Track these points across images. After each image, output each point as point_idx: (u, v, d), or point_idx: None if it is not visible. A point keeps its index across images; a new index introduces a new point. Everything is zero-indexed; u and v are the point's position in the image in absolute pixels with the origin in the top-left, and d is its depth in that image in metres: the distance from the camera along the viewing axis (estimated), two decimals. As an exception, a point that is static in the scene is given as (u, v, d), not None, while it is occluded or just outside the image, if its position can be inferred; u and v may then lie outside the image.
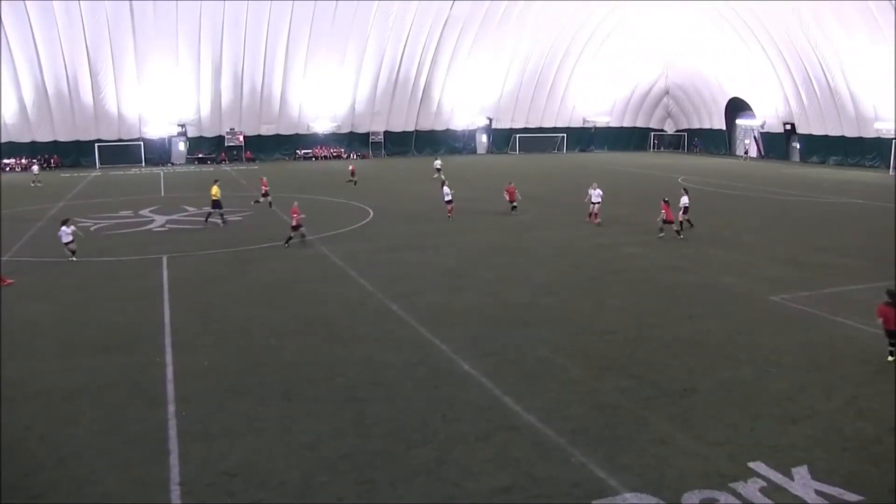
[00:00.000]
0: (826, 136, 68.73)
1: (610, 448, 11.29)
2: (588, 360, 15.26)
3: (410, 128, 76.00)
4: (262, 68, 66.95)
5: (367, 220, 34.06)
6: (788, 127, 72.63)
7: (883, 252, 26.79)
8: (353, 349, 16.02)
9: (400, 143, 75.35)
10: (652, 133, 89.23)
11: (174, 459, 10.99)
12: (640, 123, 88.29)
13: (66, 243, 25.48)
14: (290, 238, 27.35)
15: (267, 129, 71.03)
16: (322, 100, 70.98)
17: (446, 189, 34.24)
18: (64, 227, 25.60)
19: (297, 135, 72.43)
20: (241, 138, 69.28)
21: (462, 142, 79.01)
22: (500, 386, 13.75)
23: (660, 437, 11.73)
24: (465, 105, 77.36)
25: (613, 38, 76.44)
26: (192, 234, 30.48)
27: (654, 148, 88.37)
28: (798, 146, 72.89)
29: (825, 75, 65.47)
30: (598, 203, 32.94)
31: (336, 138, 73.83)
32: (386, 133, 74.83)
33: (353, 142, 74.25)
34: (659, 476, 10.43)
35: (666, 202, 29.51)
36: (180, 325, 17.79)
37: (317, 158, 72.06)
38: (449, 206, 33.58)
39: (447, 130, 78.31)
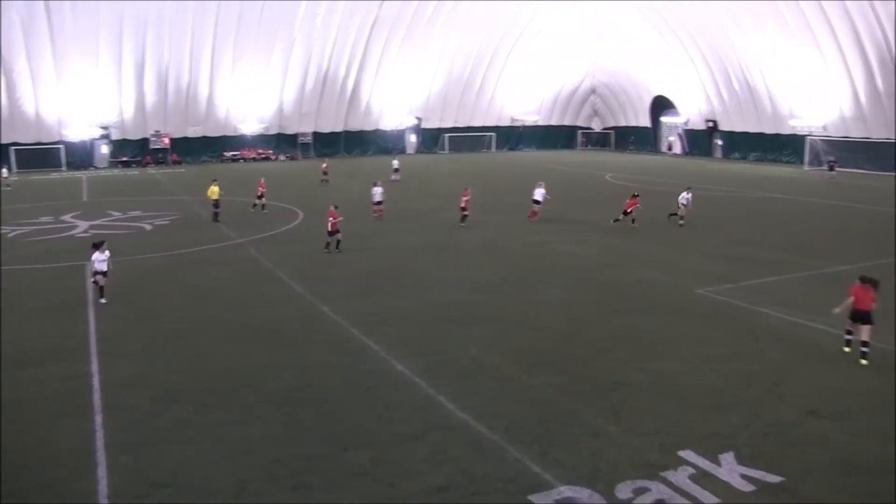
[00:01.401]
0: (746, 133, 71.06)
1: (544, 443, 11.46)
2: (520, 357, 15.45)
3: (339, 128, 75.47)
4: (187, 69, 65.59)
5: (297, 221, 33.73)
6: (711, 124, 74.80)
7: (801, 244, 27.87)
8: (285, 353, 15.87)
9: (329, 144, 74.76)
10: (579, 131, 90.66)
11: (102, 472, 10.72)
12: (567, 122, 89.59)
13: (98, 272, 19.94)
14: (329, 244, 26.39)
15: (193, 131, 69.59)
16: (250, 101, 69.92)
17: (377, 189, 33.88)
18: (97, 253, 19.90)
19: (224, 137, 71.16)
20: (167, 141, 67.77)
21: (391, 142, 78.84)
22: (434, 385, 13.81)
23: (592, 430, 11.96)
24: (395, 105, 77.26)
25: (540, 38, 77.36)
26: (117, 239, 29.66)
27: (581, 146, 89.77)
28: (720, 143, 75.11)
29: (744, 74, 67.67)
30: (541, 202, 33.32)
31: (264, 140, 72.84)
32: (315, 134, 74.16)
33: (282, 143, 73.39)
34: (592, 468, 10.64)
35: (635, 196, 31.09)
36: (107, 334, 17.33)
37: (245, 160, 71.01)
38: (377, 208, 33.35)
39: (376, 131, 78.07)
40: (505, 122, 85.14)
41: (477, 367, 14.89)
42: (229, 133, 71.30)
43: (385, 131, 78.57)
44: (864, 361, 14.98)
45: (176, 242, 28.76)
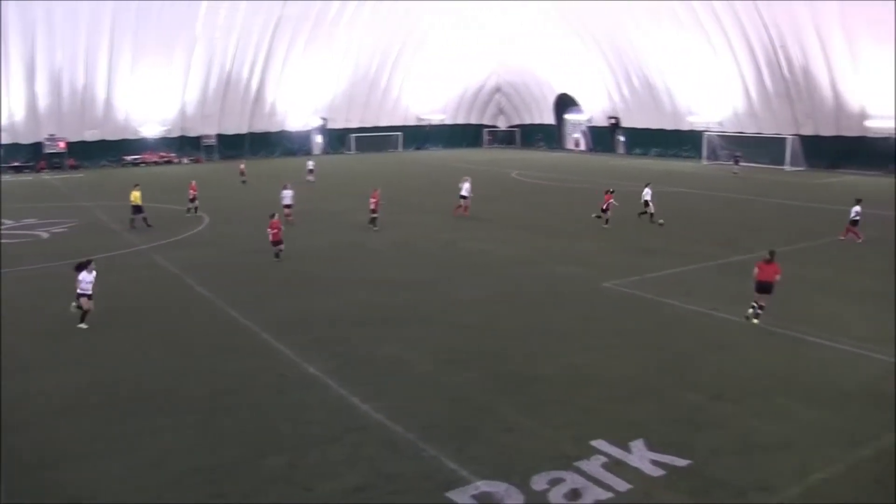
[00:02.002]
0: (647, 129, 73.26)
1: (460, 439, 11.56)
2: (435, 355, 15.52)
3: (244, 130, 73.96)
4: (82, 70, 63.02)
5: (203, 226, 32.90)
6: (613, 121, 76.80)
7: (702, 235, 28.90)
8: (195, 361, 15.49)
9: (234, 146, 73.11)
10: (485, 129, 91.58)
11: (2, 496, 10.23)
12: (473, 120, 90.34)
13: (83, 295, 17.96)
14: (277, 254, 25.35)
15: (91, 135, 66.92)
16: (150, 103, 67.74)
17: (287, 192, 33.24)
18: (84, 273, 17.99)
19: (124, 140, 68.68)
20: (63, 145, 65.03)
21: (297, 143, 77.75)
22: (348, 386, 13.74)
23: (508, 424, 12.13)
24: (300, 106, 76.27)
25: (445, 38, 77.76)
26: (10, 249, 28.30)
27: (488, 144, 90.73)
28: (623, 139, 77.20)
29: (644, 73, 69.82)
30: (468, 196, 34.30)
31: (166, 143, 70.69)
32: (219, 136, 72.44)
33: (185, 146, 71.39)
34: (508, 462, 10.79)
35: (609, 192, 31.32)
36: (9, 347, 16.50)
37: (147, 164, 68.83)
38: (288, 211, 32.81)
39: (282, 132, 76.84)
40: (411, 122, 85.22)
41: (391, 367, 14.88)
42: (129, 136, 68.87)
43: (291, 132, 77.44)
44: (755, 321, 17.21)
45: (77, 250, 27.59)
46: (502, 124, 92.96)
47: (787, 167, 58.02)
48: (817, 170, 56.66)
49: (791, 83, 58.79)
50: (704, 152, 65.95)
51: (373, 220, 31.15)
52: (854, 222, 27.79)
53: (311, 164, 52.58)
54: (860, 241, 27.39)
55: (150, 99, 67.37)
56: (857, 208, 27.84)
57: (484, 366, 14.81)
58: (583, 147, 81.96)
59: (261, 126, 74.88)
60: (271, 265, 24.63)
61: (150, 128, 69.15)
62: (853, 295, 20.35)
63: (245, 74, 70.58)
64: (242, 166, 51.43)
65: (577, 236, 29.33)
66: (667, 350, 15.71)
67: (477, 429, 11.94)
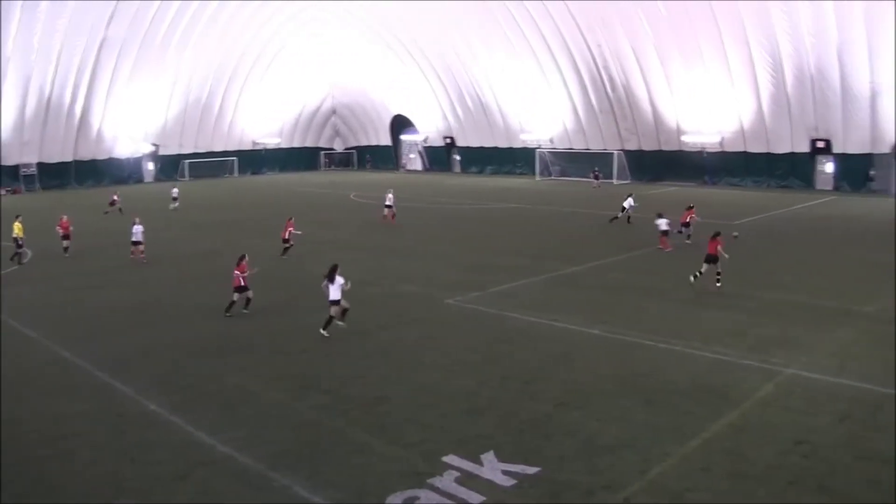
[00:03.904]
0: (482, 148, 75.30)
1: (312, 465, 11.36)
2: (283, 382, 15.20)
3: (69, 158, 69.61)
4: None
5: (26, 260, 30.55)
6: (448, 141, 78.42)
7: (539, 250, 29.96)
8: (23, 405, 14.29)
9: (57, 175, 68.57)
10: (322, 152, 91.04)
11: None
12: (309, 143, 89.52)
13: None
14: (232, 304, 21.02)
15: None
16: (-42, 130, 62.61)
17: (137, 228, 29.94)
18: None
19: (-70, 172, 63.20)
20: None
21: (128, 170, 73.98)
22: (194, 421, 13.18)
23: (359, 446, 12.03)
24: (129, 131, 72.78)
25: (278, 61, 76.81)
26: None
27: (325, 166, 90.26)
28: (458, 158, 78.97)
29: (477, 93, 71.81)
30: (391, 206, 38.81)
31: (-21, 173, 65.50)
32: (40, 164, 67.87)
33: (2, 175, 66.35)
34: (362, 484, 10.71)
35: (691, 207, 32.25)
36: None
37: (-44, 196, 63.42)
38: (137, 248, 29.70)
39: (110, 159, 72.82)
40: (247, 146, 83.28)
41: (237, 397, 14.42)
42: (-64, 167, 63.34)
43: (120, 159, 73.51)
44: (718, 285, 22.41)
45: None
46: (339, 146, 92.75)
47: (614, 181, 61.28)
48: (642, 182, 60.20)
49: (615, 102, 62.40)
50: (538, 168, 68.61)
51: (285, 250, 29.64)
52: (664, 233, 30.14)
53: (175, 192, 50.00)
54: (669, 250, 29.51)
55: (-41, 126, 62.21)
56: (664, 220, 30.24)
57: (331, 390, 14.65)
58: (418, 167, 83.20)
59: (87, 153, 70.52)
60: (105, 298, 23.28)
61: (-41, 158, 63.81)
62: (678, 300, 21.71)
63: (67, 99, 66.44)
64: (116, 196, 47.44)
65: (418, 255, 29.62)
66: (511, 362, 16.15)
67: (328, 453, 11.78)
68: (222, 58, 73.12)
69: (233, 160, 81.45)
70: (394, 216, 38.80)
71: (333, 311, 18.32)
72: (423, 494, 10.36)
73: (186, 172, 77.08)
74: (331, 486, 10.65)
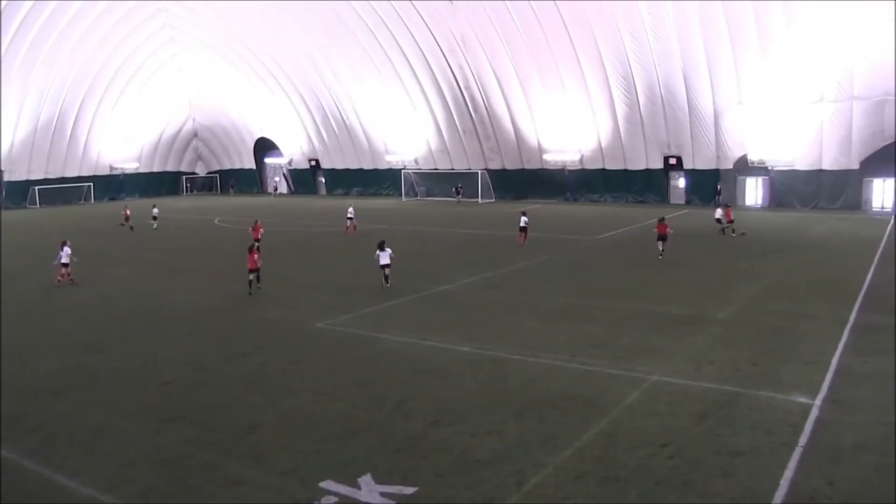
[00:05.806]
0: (347, 170, 75.19)
1: (184, 501, 10.88)
2: (148, 416, 14.49)
3: None
4: None
5: None
6: (314, 163, 77.87)
7: (408, 269, 30.02)
8: None
9: None
10: (184, 176, 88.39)
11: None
12: (170, 167, 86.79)
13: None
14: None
15: None
16: None
17: (65, 250, 29.25)
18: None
19: None
20: None
21: (-32, 199, 69.33)
22: (50, 464, 12.34)
23: (233, 478, 11.62)
24: (-29, 157, 68.17)
25: (135, 82, 74.14)
26: None
27: (187, 191, 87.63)
28: (323, 180, 78.50)
29: (341, 115, 71.69)
30: (352, 218, 43.48)
31: None
32: None
33: None
34: (236, 517, 10.35)
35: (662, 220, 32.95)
36: None
37: None
38: (64, 270, 29.06)
39: (-51, 186, 68.17)
40: (103, 171, 79.71)
41: (99, 435, 13.61)
42: None
43: (-40, 186, 68.83)
44: (660, 257, 30.76)
45: None
46: (201, 170, 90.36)
47: (479, 199, 62.46)
48: (505, 200, 61.69)
49: (478, 122, 63.79)
50: (403, 188, 69.08)
51: (257, 279, 26.81)
52: (522, 229, 35.88)
53: (155, 211, 51.69)
54: (523, 244, 35.36)
55: None
56: (525, 218, 36.58)
57: (200, 421, 14.09)
58: (283, 189, 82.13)
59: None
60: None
61: None
62: (545, 314, 22.31)
63: None
64: (126, 212, 50.37)
65: (280, 278, 29.13)
66: (383, 383, 16.07)
67: (200, 488, 11.30)
68: (74, 78, 69.72)
69: (88, 185, 77.72)
70: (355, 227, 43.02)
71: (387, 271, 26.03)
72: (300, 522, 10.13)
73: (37, 199, 72.84)
74: (202, 522, 10.24)
